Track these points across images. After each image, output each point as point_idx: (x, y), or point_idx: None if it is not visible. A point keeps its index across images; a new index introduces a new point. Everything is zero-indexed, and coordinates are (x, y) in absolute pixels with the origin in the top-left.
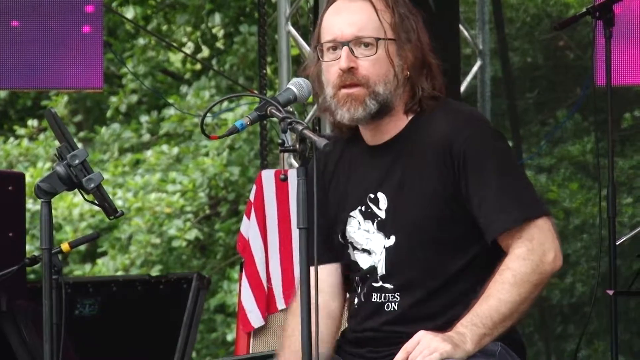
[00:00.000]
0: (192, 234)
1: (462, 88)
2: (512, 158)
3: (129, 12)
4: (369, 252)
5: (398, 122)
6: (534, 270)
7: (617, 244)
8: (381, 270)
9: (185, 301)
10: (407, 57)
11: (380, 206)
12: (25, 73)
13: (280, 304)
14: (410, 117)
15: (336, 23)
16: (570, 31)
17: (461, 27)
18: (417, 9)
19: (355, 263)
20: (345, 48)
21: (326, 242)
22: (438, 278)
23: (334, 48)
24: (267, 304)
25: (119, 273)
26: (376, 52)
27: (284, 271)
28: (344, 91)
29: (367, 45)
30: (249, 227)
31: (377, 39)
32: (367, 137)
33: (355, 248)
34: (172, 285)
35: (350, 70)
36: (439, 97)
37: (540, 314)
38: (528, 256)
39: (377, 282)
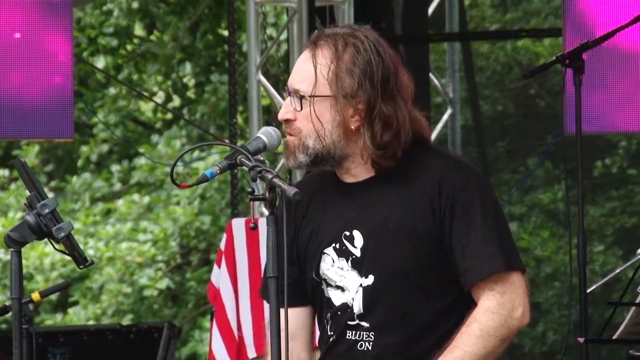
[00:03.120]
0: (164, 283)
1: (433, 136)
2: (498, 207)
3: (100, 62)
4: (342, 289)
5: (367, 167)
6: (501, 325)
7: (588, 291)
8: (358, 308)
9: (156, 350)
10: (349, 111)
11: (356, 244)
12: None
13: (251, 352)
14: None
15: (293, 70)
16: (540, 79)
17: (432, 75)
18: (388, 50)
19: (329, 299)
20: (288, 99)
21: (297, 286)
22: (415, 321)
23: (289, 94)
24: (238, 352)
25: (90, 322)
26: (302, 109)
27: (255, 320)
28: (285, 138)
29: (299, 99)
30: (219, 276)
31: (302, 97)
32: (340, 176)
33: (329, 285)
34: (143, 334)
35: (288, 122)
36: (413, 139)
37: None
38: (497, 310)
39: (354, 320)
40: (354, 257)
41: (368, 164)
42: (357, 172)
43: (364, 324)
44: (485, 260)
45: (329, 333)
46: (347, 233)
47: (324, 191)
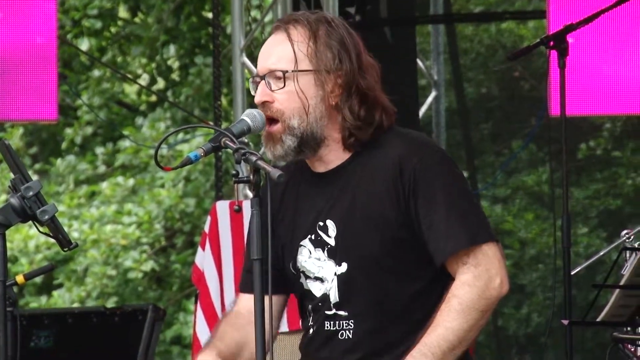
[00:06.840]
0: (148, 266)
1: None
2: (462, 182)
3: (84, 44)
4: (321, 279)
5: (339, 152)
6: (480, 296)
7: (572, 274)
8: (334, 297)
9: (140, 333)
10: (329, 86)
11: (330, 233)
12: None
13: None
14: (353, 149)
15: (259, 57)
16: (525, 62)
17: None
18: (354, 31)
19: (309, 291)
20: (262, 82)
21: (277, 273)
22: (392, 305)
23: (257, 82)
24: None
25: (75, 305)
26: (284, 86)
27: None
28: (265, 131)
29: (279, 78)
30: (203, 259)
31: (285, 72)
32: (312, 166)
33: (307, 277)
34: (128, 317)
35: (266, 104)
36: (385, 124)
37: (497, 344)
38: (474, 282)
39: (331, 309)
40: (329, 246)
41: (340, 146)
42: (330, 157)
43: (342, 312)
44: (449, 238)
45: (310, 323)
46: (321, 223)
47: (296, 183)
